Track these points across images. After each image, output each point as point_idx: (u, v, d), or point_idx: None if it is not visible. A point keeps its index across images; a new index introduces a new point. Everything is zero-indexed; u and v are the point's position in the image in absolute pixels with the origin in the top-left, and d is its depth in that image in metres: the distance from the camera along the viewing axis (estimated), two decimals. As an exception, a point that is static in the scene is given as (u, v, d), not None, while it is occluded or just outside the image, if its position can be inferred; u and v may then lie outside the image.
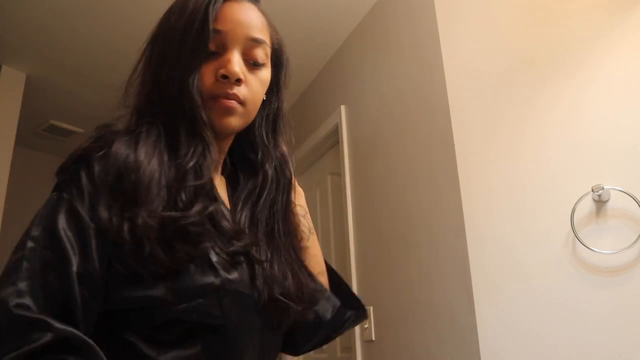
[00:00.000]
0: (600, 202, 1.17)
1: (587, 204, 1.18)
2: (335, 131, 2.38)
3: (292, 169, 0.73)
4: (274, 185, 0.70)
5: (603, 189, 1.13)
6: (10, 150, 2.44)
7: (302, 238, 0.74)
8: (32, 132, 3.09)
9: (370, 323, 1.88)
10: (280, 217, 0.70)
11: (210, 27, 0.62)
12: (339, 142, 2.32)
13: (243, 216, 0.67)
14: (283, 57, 0.74)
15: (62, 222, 0.51)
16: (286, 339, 0.73)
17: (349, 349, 2.12)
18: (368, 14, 2.16)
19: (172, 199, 0.55)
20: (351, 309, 0.79)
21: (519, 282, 1.28)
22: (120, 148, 0.56)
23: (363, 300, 0.81)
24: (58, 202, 0.53)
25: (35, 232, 0.51)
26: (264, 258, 0.64)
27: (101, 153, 0.55)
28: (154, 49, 0.66)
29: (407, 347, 1.65)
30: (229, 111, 0.63)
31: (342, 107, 2.31)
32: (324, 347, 2.42)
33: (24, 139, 2.95)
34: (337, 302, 0.76)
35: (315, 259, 0.77)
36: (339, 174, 2.31)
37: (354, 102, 2.23)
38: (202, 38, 0.62)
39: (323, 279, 0.78)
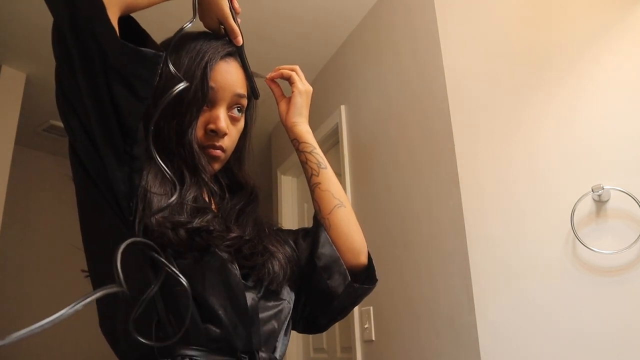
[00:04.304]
0: (600, 202, 1.17)
1: (587, 204, 1.18)
2: (335, 131, 2.38)
3: (255, 188, 0.86)
4: (247, 199, 0.83)
5: (603, 189, 1.12)
6: (10, 150, 2.44)
7: (311, 174, 0.85)
8: (32, 132, 3.09)
9: (370, 323, 1.88)
10: (259, 219, 0.82)
11: (209, 86, 0.72)
12: (339, 142, 2.32)
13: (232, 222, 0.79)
14: (251, 99, 0.85)
15: None
16: (306, 318, 0.84)
17: (349, 349, 2.12)
18: (368, 14, 2.16)
19: (177, 213, 0.66)
20: (361, 281, 0.84)
21: (519, 281, 1.28)
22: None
23: (375, 266, 0.88)
24: None
25: None
26: (254, 250, 0.74)
27: None
28: None
29: (407, 347, 1.65)
30: (214, 159, 0.76)
31: (342, 107, 2.31)
32: (325, 346, 2.42)
33: (24, 139, 2.95)
34: (348, 277, 0.82)
35: (329, 194, 0.85)
36: (339, 174, 2.31)
37: (354, 102, 2.23)
38: (202, 96, 0.71)
39: (340, 213, 0.84)
